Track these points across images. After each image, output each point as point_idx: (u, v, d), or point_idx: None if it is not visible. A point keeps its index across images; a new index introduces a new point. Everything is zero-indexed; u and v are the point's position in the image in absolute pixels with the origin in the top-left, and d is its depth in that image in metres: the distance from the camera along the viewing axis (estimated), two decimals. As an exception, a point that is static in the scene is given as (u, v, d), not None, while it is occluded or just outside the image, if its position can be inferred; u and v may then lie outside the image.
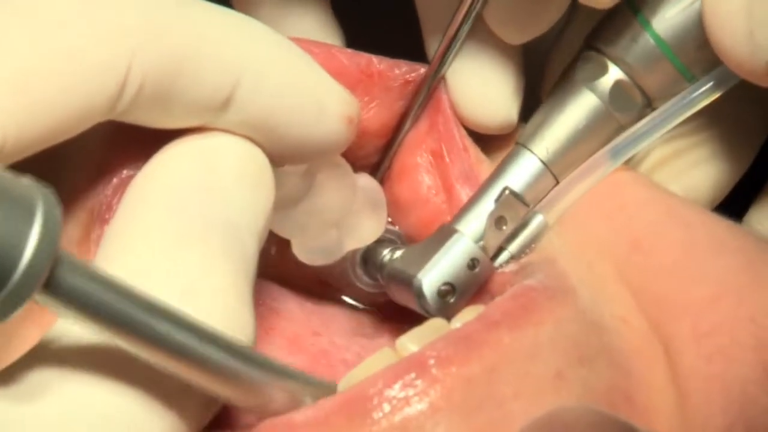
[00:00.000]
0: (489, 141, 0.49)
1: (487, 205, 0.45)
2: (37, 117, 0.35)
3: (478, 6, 0.46)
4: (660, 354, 0.40)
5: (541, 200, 0.46)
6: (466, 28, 0.46)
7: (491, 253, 0.45)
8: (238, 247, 0.37)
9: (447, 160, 0.47)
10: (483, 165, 0.48)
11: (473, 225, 0.45)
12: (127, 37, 0.36)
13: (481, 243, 0.45)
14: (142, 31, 0.37)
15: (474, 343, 0.37)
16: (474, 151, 0.48)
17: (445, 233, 0.45)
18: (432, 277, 0.44)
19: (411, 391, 0.36)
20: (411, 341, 0.40)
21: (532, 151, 0.46)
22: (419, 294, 0.44)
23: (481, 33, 0.47)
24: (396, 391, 0.36)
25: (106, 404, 0.33)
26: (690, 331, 0.40)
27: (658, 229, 0.43)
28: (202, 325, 0.33)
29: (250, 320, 0.37)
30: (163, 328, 0.32)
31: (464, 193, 0.47)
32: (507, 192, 0.45)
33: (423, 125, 0.48)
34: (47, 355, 0.33)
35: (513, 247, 0.45)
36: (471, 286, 0.45)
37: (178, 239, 0.36)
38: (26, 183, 0.30)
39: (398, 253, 0.47)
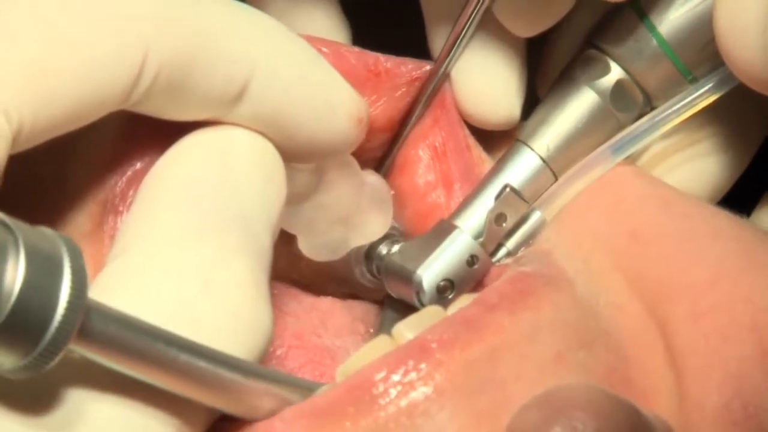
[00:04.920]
0: (491, 140, 0.49)
1: (486, 202, 0.46)
2: (52, 104, 0.35)
3: (486, 4, 0.46)
4: (657, 337, 0.41)
5: (540, 197, 0.46)
6: (473, 25, 0.47)
7: (490, 249, 0.45)
8: (253, 240, 0.38)
9: (448, 156, 0.48)
10: (484, 164, 0.48)
11: (472, 221, 0.46)
12: (142, 27, 0.36)
13: (481, 240, 0.45)
14: (156, 21, 0.37)
15: (474, 326, 0.38)
16: (476, 150, 0.48)
17: (444, 229, 0.45)
18: (432, 273, 0.44)
19: (416, 375, 0.36)
20: (408, 328, 0.40)
21: (532, 148, 0.46)
22: (419, 289, 0.44)
23: (486, 28, 0.47)
24: (401, 375, 0.36)
25: (138, 424, 0.34)
26: (687, 311, 0.40)
27: (657, 221, 0.43)
28: (215, 352, 0.34)
29: (268, 312, 0.37)
30: (183, 359, 0.33)
31: (463, 191, 0.47)
32: (508, 189, 0.45)
33: (427, 120, 0.48)
34: (77, 379, 0.33)
35: (511, 243, 0.45)
36: (469, 281, 0.45)
37: (195, 232, 0.37)
38: (49, 234, 0.31)
39: (396, 247, 0.47)
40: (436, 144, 0.48)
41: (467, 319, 0.38)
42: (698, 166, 0.47)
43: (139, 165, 0.42)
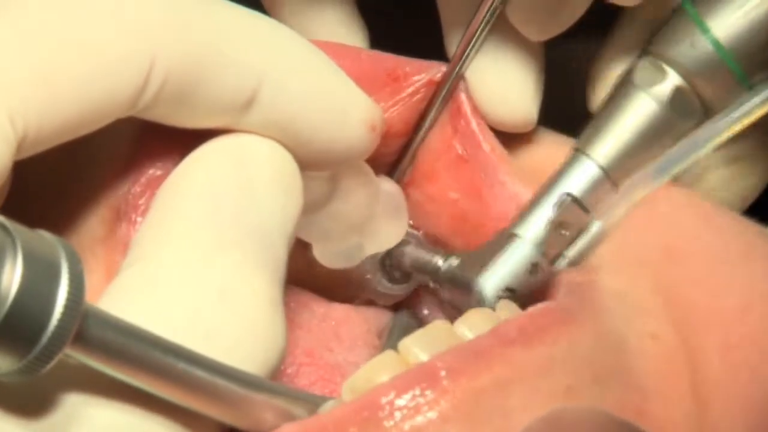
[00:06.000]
0: (512, 137, 0.49)
1: (545, 210, 0.46)
2: (57, 109, 0.35)
3: (499, 4, 0.46)
4: (684, 369, 0.40)
5: (599, 206, 0.45)
6: (486, 26, 0.47)
7: (551, 258, 0.45)
8: (270, 251, 0.38)
9: (472, 159, 0.47)
10: (508, 165, 0.48)
11: (533, 230, 0.45)
12: (150, 33, 0.37)
13: (542, 248, 0.45)
14: (165, 28, 0.37)
15: (485, 357, 0.37)
16: (499, 149, 0.48)
17: (504, 238, 0.45)
18: (493, 282, 0.44)
19: (422, 401, 0.36)
20: (415, 345, 0.40)
21: (590, 157, 0.46)
22: (480, 299, 0.44)
23: (502, 30, 0.47)
24: (407, 400, 0.36)
25: (135, 429, 0.34)
26: (719, 341, 0.40)
27: (692, 235, 0.43)
28: (215, 362, 0.34)
29: (282, 325, 0.37)
30: (180, 368, 0.33)
31: (491, 191, 0.47)
32: (569, 198, 0.45)
33: (448, 126, 0.48)
34: (73, 382, 0.33)
35: (572, 253, 0.45)
36: (530, 290, 0.45)
37: (214, 243, 0.37)
38: (48, 238, 0.31)
39: (454, 259, 0.47)
40: (458, 151, 0.48)
41: (480, 350, 0.37)
42: (739, 179, 0.47)
43: (152, 172, 0.42)
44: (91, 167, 0.42)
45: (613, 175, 0.46)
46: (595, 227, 0.45)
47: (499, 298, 0.44)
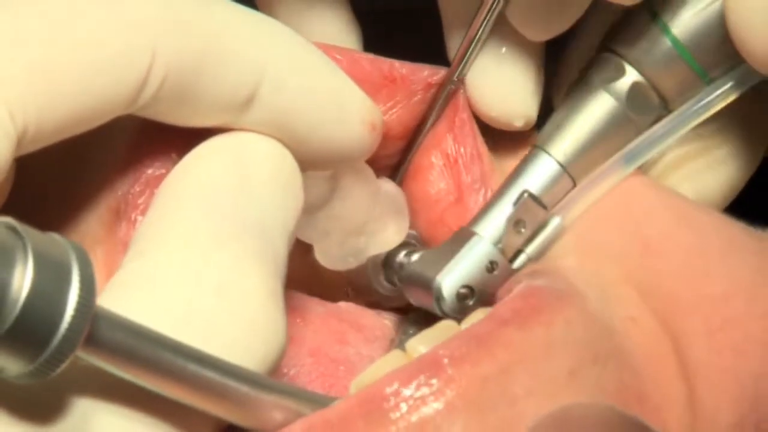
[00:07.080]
0: (503, 146, 0.49)
1: (505, 208, 0.46)
2: (57, 105, 0.35)
3: (499, 7, 0.46)
4: (670, 351, 0.41)
5: (558, 203, 0.46)
6: (486, 29, 0.47)
7: (509, 255, 0.45)
8: (270, 248, 0.38)
9: (460, 163, 0.48)
10: (495, 173, 0.48)
11: (491, 227, 0.45)
12: (150, 29, 0.37)
13: (500, 246, 0.45)
14: (165, 24, 0.37)
15: (486, 342, 0.37)
16: (488, 157, 0.48)
17: (463, 236, 0.45)
18: (451, 279, 0.44)
19: (427, 390, 0.36)
20: (421, 343, 0.40)
21: (549, 154, 0.46)
22: (438, 296, 0.44)
23: (501, 31, 0.47)
24: (412, 390, 0.36)
25: None
26: (701, 326, 0.40)
27: (669, 233, 0.43)
28: (224, 362, 0.34)
29: (282, 321, 0.37)
30: (190, 369, 0.33)
31: (474, 198, 0.47)
32: (526, 195, 0.45)
33: (441, 127, 0.48)
34: (84, 386, 0.33)
35: (530, 249, 0.45)
36: (489, 288, 0.45)
37: (212, 238, 0.37)
38: (58, 240, 0.31)
39: (416, 256, 0.47)
40: (449, 151, 0.48)
41: (479, 334, 0.38)
42: (716, 172, 0.47)
43: (151, 171, 0.42)
44: (90, 168, 0.42)
45: (572, 171, 0.46)
46: (554, 223, 0.45)
47: (458, 296, 0.44)
